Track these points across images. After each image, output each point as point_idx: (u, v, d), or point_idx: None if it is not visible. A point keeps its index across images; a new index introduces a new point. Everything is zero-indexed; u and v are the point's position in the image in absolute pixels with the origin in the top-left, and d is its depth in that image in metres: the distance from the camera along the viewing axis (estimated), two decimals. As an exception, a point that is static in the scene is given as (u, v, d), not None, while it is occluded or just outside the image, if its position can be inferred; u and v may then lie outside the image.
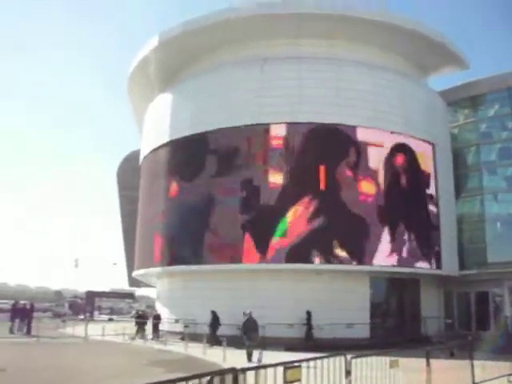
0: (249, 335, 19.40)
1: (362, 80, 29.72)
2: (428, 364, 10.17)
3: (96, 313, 63.83)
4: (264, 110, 28.93)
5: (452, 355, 10.94)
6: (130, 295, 73.38)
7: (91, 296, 64.33)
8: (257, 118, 29.01)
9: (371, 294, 28.84)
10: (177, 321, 29.85)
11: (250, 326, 19.66)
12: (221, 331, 23.91)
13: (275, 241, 27.30)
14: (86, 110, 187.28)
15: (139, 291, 72.80)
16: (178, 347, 24.21)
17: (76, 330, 31.91)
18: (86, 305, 62.47)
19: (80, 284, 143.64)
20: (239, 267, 27.80)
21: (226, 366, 17.15)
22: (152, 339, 28.88)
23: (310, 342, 25.63)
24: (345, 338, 25.05)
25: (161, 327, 30.45)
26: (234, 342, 20.93)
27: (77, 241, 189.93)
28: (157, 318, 31.00)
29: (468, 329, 29.97)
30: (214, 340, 24.88)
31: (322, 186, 27.84)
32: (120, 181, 52.60)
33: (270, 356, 17.27)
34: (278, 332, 25.09)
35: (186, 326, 27.19)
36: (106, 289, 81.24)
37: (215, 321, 26.54)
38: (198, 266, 29.05)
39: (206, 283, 29.24)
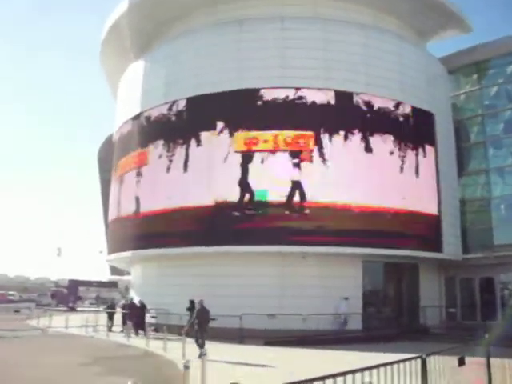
0: (201, 326, 16.47)
1: (353, 41, 26.64)
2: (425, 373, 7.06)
3: (79, 302, 60.89)
4: (243, 75, 25.81)
5: (462, 363, 7.75)
6: (114, 284, 69.96)
7: (74, 285, 61.30)
8: (236, 83, 25.83)
9: (364, 280, 25.88)
10: (148, 311, 26.90)
11: (203, 316, 16.74)
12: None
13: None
14: (65, 93, 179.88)
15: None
16: (141, 341, 21.41)
17: (41, 321, 29.07)
18: (69, 294, 59.48)
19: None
20: (215, 250, 24.70)
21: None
22: (122, 331, 26.02)
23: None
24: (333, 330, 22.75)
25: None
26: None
27: (62, 230, 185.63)
28: (125, 308, 27.94)
29: (472, 319, 27.17)
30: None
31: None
32: (101, 163, 49.36)
33: (236, 352, 14.49)
34: (259, 323, 22.23)
35: (152, 317, 24.55)
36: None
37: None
38: (170, 249, 25.91)
39: (181, 269, 26.35)
